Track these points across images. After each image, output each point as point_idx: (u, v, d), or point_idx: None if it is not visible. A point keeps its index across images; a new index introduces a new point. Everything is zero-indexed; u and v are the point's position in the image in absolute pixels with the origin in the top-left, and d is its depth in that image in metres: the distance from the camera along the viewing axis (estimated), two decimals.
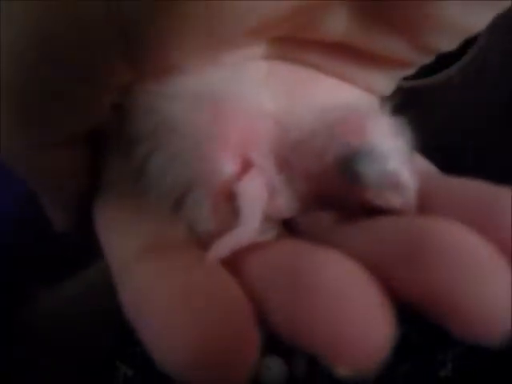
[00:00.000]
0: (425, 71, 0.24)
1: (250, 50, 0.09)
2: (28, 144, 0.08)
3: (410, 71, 0.11)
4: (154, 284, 0.07)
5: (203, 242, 0.08)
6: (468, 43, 0.23)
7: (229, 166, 0.07)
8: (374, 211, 0.07)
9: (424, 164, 0.09)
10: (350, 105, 0.09)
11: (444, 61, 0.23)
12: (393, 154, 0.07)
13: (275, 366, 0.24)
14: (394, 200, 0.07)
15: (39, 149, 0.08)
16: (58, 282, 0.21)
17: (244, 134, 0.08)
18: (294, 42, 0.09)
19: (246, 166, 0.08)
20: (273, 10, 0.07)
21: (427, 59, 0.10)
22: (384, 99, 0.12)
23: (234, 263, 0.08)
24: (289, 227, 0.08)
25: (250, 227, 0.07)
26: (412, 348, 0.24)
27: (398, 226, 0.07)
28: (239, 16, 0.07)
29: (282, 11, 0.07)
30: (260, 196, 0.07)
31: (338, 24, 0.09)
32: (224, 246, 0.07)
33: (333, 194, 0.08)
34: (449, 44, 0.09)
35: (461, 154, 0.29)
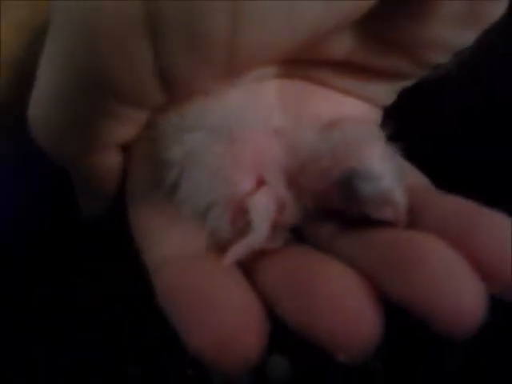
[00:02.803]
0: None
1: (262, 70, 0.11)
2: (75, 151, 0.10)
3: (410, 83, 0.12)
4: (182, 285, 0.09)
5: (223, 249, 0.09)
6: None
7: (244, 185, 0.09)
8: (369, 223, 0.09)
9: (418, 178, 0.11)
10: (353, 123, 0.11)
11: None
12: (386, 174, 0.08)
13: (280, 364, 0.25)
14: (387, 214, 0.09)
15: (86, 154, 0.10)
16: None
17: (258, 156, 0.09)
18: (302, 62, 0.11)
19: (260, 183, 0.09)
20: (288, 45, 0.09)
21: (424, 72, 0.11)
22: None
23: (248, 267, 0.09)
24: (297, 235, 0.10)
25: (259, 235, 0.09)
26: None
27: (388, 239, 0.08)
28: (261, 48, 0.08)
29: (296, 45, 0.09)
30: (269, 209, 0.09)
31: (342, 45, 0.10)
32: (238, 251, 0.09)
33: (334, 208, 0.09)
34: (442, 58, 0.11)
35: (457, 146, 0.30)
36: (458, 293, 0.07)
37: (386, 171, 0.08)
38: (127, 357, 0.24)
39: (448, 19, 0.10)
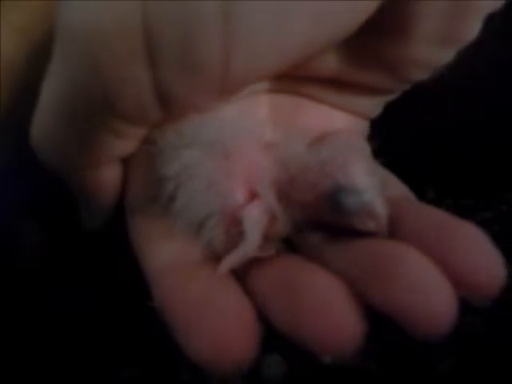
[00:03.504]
0: None
1: (255, 86, 0.12)
2: (76, 165, 0.11)
3: (393, 97, 0.13)
4: (179, 292, 0.10)
5: (217, 258, 0.10)
6: None
7: (237, 197, 0.10)
8: (354, 234, 0.10)
9: (400, 189, 0.12)
10: (341, 137, 0.12)
11: None
12: (369, 188, 0.09)
13: (275, 364, 0.25)
14: (370, 226, 0.09)
15: (86, 167, 0.11)
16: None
17: (250, 170, 0.10)
18: (293, 78, 0.12)
19: (252, 195, 0.10)
20: (277, 67, 0.09)
21: (406, 87, 0.12)
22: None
23: (241, 274, 0.10)
24: (287, 245, 0.11)
25: (251, 245, 0.10)
26: None
27: (370, 249, 0.09)
28: (252, 70, 0.09)
29: (284, 67, 0.10)
30: (261, 220, 0.10)
31: (329, 64, 0.11)
32: (231, 261, 0.10)
33: (322, 220, 0.10)
34: (422, 75, 0.12)
35: (453, 149, 0.30)
36: (430, 300, 0.08)
37: (369, 185, 0.09)
38: (122, 361, 0.25)
39: (425, 39, 0.10)
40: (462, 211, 0.32)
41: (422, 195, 0.34)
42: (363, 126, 0.13)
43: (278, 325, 0.09)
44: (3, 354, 0.18)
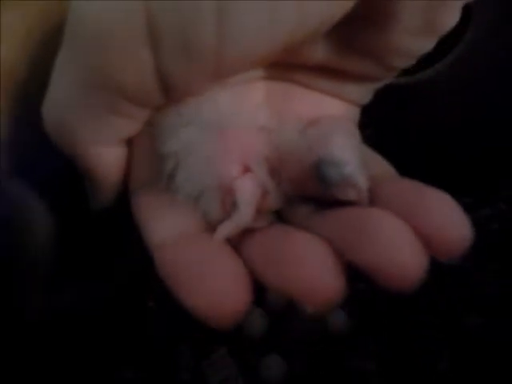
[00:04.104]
0: (412, 68, 0.27)
1: (250, 73, 0.13)
2: (85, 144, 0.12)
3: (381, 84, 0.14)
4: (180, 258, 0.11)
5: (214, 228, 0.11)
6: (455, 40, 0.25)
7: (232, 172, 0.11)
8: (338, 204, 0.11)
9: (383, 166, 0.13)
10: (330, 120, 0.13)
11: (432, 57, 0.26)
12: (349, 161, 0.10)
13: (275, 364, 0.26)
14: (351, 195, 0.11)
15: (94, 146, 0.12)
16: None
17: (244, 148, 0.11)
18: (285, 65, 0.13)
19: (246, 171, 0.11)
20: (267, 53, 0.11)
21: (392, 75, 0.13)
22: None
23: (236, 243, 0.11)
24: (279, 217, 0.12)
25: (244, 215, 0.11)
26: None
27: (351, 215, 0.10)
28: (244, 56, 0.10)
29: (274, 53, 0.11)
30: (253, 193, 0.11)
31: (317, 52, 0.12)
32: (226, 230, 0.11)
33: (309, 193, 0.11)
34: (405, 63, 0.13)
35: (445, 151, 0.30)
36: (402, 256, 0.09)
37: (350, 159, 0.10)
38: (122, 362, 0.26)
39: (405, 29, 0.12)
40: (461, 208, 0.33)
41: None
42: (354, 112, 0.15)
43: (267, 280, 0.10)
44: (1, 353, 0.18)
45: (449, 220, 0.10)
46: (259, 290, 0.29)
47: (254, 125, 0.12)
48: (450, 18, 0.12)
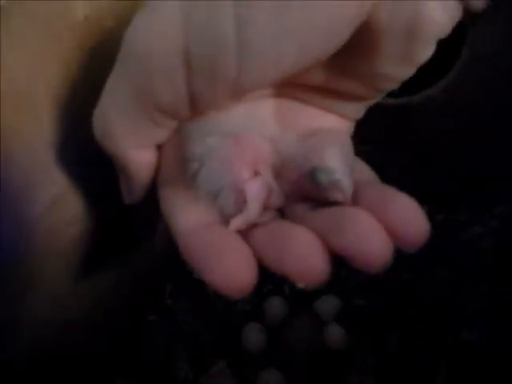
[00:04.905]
0: (408, 90, 0.29)
1: (261, 92, 0.16)
2: (126, 147, 0.15)
3: (372, 102, 0.17)
4: (201, 242, 0.14)
5: (228, 222, 0.15)
6: (450, 61, 0.28)
7: (244, 175, 0.14)
8: (327, 203, 0.14)
9: (366, 173, 0.16)
10: (327, 133, 0.16)
11: (428, 78, 0.28)
12: (338, 169, 0.14)
13: (273, 378, 0.28)
14: (337, 196, 0.14)
15: (133, 150, 0.16)
16: None
17: (255, 154, 0.14)
18: (290, 85, 0.16)
19: (255, 174, 0.15)
20: (274, 79, 0.14)
21: (381, 95, 0.17)
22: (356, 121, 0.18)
23: (245, 233, 0.15)
24: (280, 214, 0.16)
25: (253, 212, 0.14)
26: None
27: (335, 213, 0.14)
28: (256, 82, 0.14)
29: (280, 79, 0.14)
30: (260, 193, 0.14)
31: (318, 75, 0.16)
32: (238, 222, 0.14)
33: (305, 193, 0.15)
34: (391, 86, 0.16)
35: (438, 169, 0.33)
36: (372, 246, 0.12)
37: (339, 167, 0.14)
38: (120, 374, 0.29)
39: (388, 59, 0.15)
40: (454, 226, 0.37)
41: None
42: (348, 126, 0.18)
43: (269, 263, 0.13)
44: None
45: (410, 219, 0.13)
46: (258, 306, 0.32)
47: (262, 133, 0.15)
48: (425, 52, 0.15)
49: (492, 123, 0.32)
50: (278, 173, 0.15)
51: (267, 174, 0.15)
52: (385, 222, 0.13)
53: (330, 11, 0.12)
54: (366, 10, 0.13)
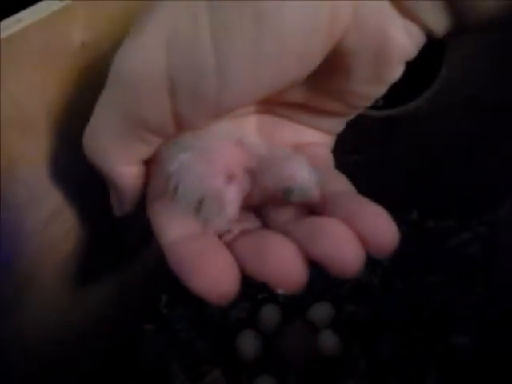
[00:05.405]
0: (394, 102, 0.30)
1: (245, 109, 0.17)
2: (113, 163, 0.16)
3: (351, 117, 0.18)
4: (186, 252, 0.15)
5: (211, 229, 0.15)
6: (434, 73, 0.29)
7: (218, 183, 0.15)
8: (299, 210, 0.15)
9: (343, 184, 0.17)
10: (307, 147, 0.17)
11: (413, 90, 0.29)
12: (310, 182, 0.14)
13: None
14: (310, 203, 0.15)
15: (120, 165, 0.16)
16: None
17: (226, 160, 0.15)
18: (272, 103, 0.17)
19: (230, 178, 0.15)
20: (252, 98, 0.15)
21: (357, 111, 0.18)
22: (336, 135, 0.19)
23: (230, 242, 0.15)
24: (263, 223, 0.16)
25: (230, 213, 0.15)
26: None
27: (311, 223, 0.14)
28: (236, 102, 0.14)
29: (259, 98, 0.15)
30: (237, 194, 0.15)
31: (297, 93, 0.17)
32: (217, 224, 0.15)
33: (279, 203, 0.16)
34: (366, 103, 0.17)
35: (426, 178, 0.34)
36: (345, 253, 0.13)
37: (310, 180, 0.15)
38: (113, 380, 0.28)
39: (359, 80, 0.16)
40: (443, 232, 0.37)
41: (406, 216, 0.40)
42: (328, 140, 0.19)
43: (251, 269, 0.14)
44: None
45: (381, 227, 0.14)
46: (252, 314, 0.33)
47: (238, 143, 0.16)
48: (394, 73, 0.16)
49: (476, 132, 0.33)
50: (254, 176, 0.16)
51: (241, 174, 0.16)
52: (357, 231, 0.13)
53: (301, 39, 0.13)
54: (335, 38, 0.14)
